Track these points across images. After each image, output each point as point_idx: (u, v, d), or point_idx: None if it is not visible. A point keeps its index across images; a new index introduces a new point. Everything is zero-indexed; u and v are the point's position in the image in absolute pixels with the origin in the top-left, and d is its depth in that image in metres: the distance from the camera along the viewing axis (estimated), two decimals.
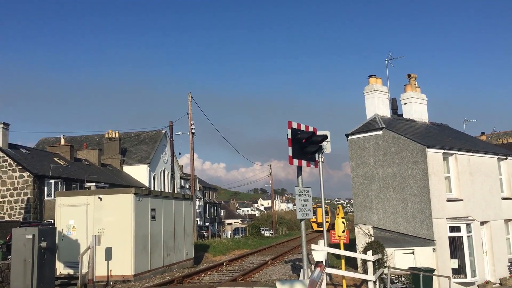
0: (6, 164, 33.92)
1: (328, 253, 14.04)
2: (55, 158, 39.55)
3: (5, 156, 34.04)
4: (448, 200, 19.29)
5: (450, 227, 19.08)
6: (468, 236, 19.38)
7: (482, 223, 20.64)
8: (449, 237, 18.95)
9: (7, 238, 21.83)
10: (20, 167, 33.59)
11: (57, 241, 16.58)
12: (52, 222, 25.77)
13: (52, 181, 34.71)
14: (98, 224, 17.18)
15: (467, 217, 19.71)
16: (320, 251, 11.37)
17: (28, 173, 33.31)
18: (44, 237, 14.15)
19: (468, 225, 19.49)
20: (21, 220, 30.89)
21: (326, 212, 54.27)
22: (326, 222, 61.79)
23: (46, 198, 34.19)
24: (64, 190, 34.64)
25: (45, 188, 34.41)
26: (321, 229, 63.83)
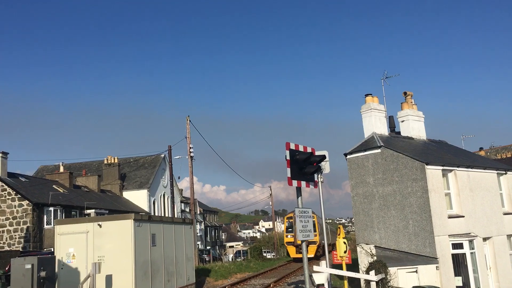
0: (5, 193, 33.80)
1: (331, 274, 13.92)
2: (54, 186, 39.43)
3: (4, 185, 33.94)
4: (450, 217, 19.20)
5: (452, 244, 18.94)
6: (471, 253, 19.24)
7: (484, 239, 20.50)
8: (452, 254, 18.80)
9: (6, 268, 21.61)
10: (19, 195, 33.46)
11: (56, 270, 16.43)
12: (52, 250, 25.54)
13: (52, 209, 34.54)
14: (98, 252, 17.03)
15: (469, 233, 19.58)
16: (321, 273, 11.27)
17: (27, 202, 33.16)
18: (43, 266, 14.02)
19: (470, 241, 19.36)
20: (21, 250, 30.62)
21: (315, 226, 40.17)
22: (314, 243, 41.69)
23: (45, 226, 33.98)
24: (63, 217, 34.45)
25: (45, 216, 34.22)
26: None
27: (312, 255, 40.64)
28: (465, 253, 19.04)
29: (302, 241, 12.46)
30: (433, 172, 19.05)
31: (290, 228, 42.43)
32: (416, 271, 18.19)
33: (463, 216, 19.67)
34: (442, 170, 19.58)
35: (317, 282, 10.78)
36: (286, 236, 43.19)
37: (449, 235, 18.87)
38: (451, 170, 20.06)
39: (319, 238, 41.11)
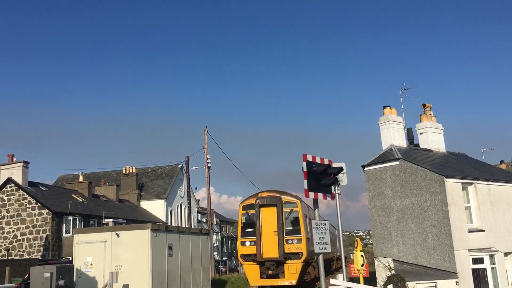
0: (25, 202, 34.35)
1: (347, 287, 13.78)
2: (73, 195, 39.96)
3: (25, 194, 34.51)
4: (470, 231, 18.88)
5: (472, 258, 18.61)
6: (492, 268, 18.87)
7: (506, 254, 20.08)
8: (472, 269, 18.46)
9: (26, 277, 21.92)
10: (39, 204, 33.97)
11: (74, 279, 16.60)
12: (71, 259, 25.84)
13: (71, 218, 34.96)
14: (116, 261, 17.17)
15: (490, 248, 19.22)
16: (338, 286, 11.17)
17: (47, 211, 33.63)
18: (61, 275, 14.20)
19: (491, 256, 19.00)
20: (40, 258, 31.02)
21: (294, 229, 20.68)
22: (297, 256, 20.36)
23: (64, 235, 34.38)
24: (82, 226, 34.84)
25: (64, 225, 34.65)
26: (276, 283, 20.55)
27: (294, 281, 20.61)
28: (485, 268, 18.68)
29: (319, 254, 12.36)
30: (453, 185, 18.80)
31: (251, 227, 21.31)
32: (435, 286, 17.89)
33: (484, 230, 19.33)
34: (462, 183, 19.31)
35: None
36: (242, 243, 21.53)
37: (469, 250, 18.55)
38: (471, 183, 19.77)
39: (308, 249, 20.61)
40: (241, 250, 21.66)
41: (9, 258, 32.00)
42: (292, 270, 20.56)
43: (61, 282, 14.05)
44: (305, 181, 12.14)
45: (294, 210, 20.33)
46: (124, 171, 52.99)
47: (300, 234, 20.65)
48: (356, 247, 14.36)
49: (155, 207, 52.22)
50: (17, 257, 32.57)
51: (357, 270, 14.19)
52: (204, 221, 65.77)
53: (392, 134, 21.54)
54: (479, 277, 18.58)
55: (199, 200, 70.36)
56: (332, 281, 13.43)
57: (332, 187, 13.39)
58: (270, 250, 20.70)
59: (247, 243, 21.33)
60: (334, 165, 13.26)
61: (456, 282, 17.73)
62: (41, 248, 33.10)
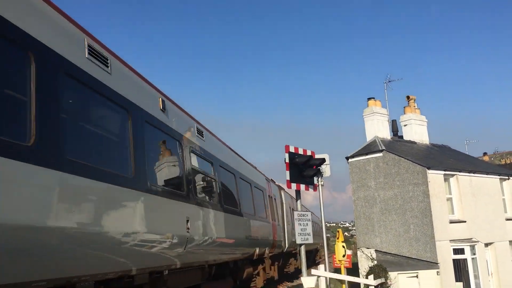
0: None
1: (330, 278, 13.86)
2: None
3: None
4: (451, 222, 19.10)
5: (454, 249, 18.84)
6: (473, 258, 19.13)
7: (486, 245, 20.37)
8: (453, 260, 18.70)
9: None
10: None
11: None
12: None
13: None
14: None
15: (471, 238, 19.47)
16: (308, 277, 11.18)
17: None
18: None
19: (472, 247, 19.25)
20: None
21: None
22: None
23: None
24: None
25: None
26: None
27: None
28: (466, 259, 18.94)
29: (301, 245, 12.40)
30: (435, 177, 18.96)
31: None
32: (416, 276, 18.10)
33: (465, 221, 19.57)
34: (444, 175, 19.49)
35: (305, 286, 10.65)
36: None
37: (450, 240, 18.78)
38: (453, 175, 19.96)
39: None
40: None
41: None
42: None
43: None
44: (287, 172, 12.13)
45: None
46: None
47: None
48: (338, 238, 14.42)
49: None
50: None
51: (339, 261, 14.26)
52: None
53: (376, 126, 21.64)
54: (460, 267, 18.83)
55: None
56: (313, 271, 13.50)
57: (315, 179, 13.39)
58: None
59: None
60: (317, 156, 13.25)
61: (437, 272, 17.95)
62: None
